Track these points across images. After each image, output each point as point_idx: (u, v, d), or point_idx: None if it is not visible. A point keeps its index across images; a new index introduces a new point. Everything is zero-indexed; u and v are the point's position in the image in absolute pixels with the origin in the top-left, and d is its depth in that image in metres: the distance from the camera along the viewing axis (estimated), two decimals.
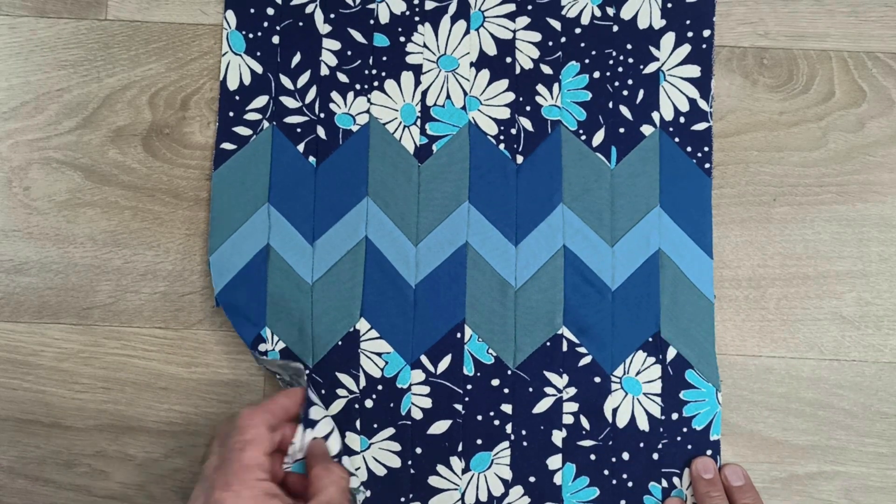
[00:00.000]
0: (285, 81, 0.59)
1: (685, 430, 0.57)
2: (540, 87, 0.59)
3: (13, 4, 0.60)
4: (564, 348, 0.57)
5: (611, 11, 0.59)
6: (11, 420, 0.58)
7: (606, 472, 0.57)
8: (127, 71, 0.60)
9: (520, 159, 0.58)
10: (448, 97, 0.59)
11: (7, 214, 0.59)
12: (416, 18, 0.59)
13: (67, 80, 0.60)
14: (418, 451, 0.57)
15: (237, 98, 0.59)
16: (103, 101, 0.60)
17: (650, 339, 0.57)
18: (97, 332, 0.58)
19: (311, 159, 0.58)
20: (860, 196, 0.59)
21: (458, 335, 0.57)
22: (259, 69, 0.59)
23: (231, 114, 0.59)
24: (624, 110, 0.59)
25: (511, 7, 0.59)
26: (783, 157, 0.59)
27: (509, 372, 0.57)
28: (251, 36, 0.59)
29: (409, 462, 0.57)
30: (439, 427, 0.57)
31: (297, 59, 0.59)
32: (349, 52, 0.59)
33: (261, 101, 0.59)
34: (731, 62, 0.60)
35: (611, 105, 0.59)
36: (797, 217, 0.59)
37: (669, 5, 0.59)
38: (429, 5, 0.59)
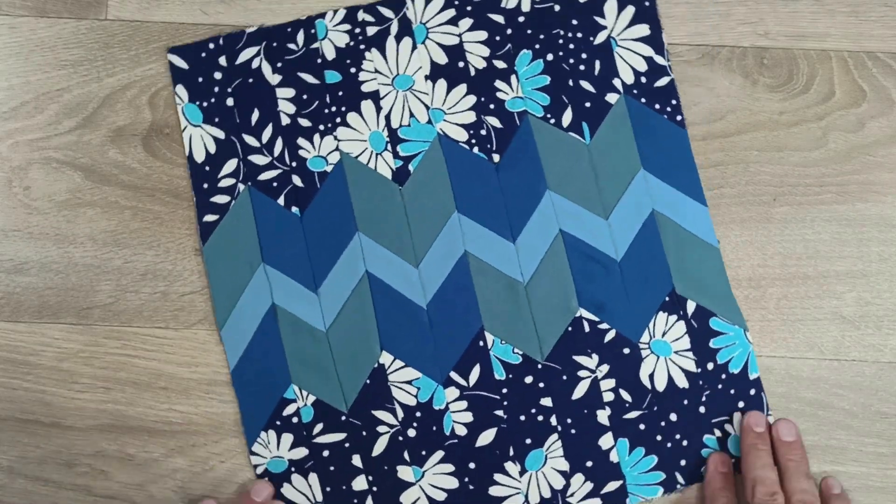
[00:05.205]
0: (250, 140, 0.59)
1: (724, 376, 0.57)
2: (498, 83, 0.59)
3: (13, 4, 0.60)
4: (587, 329, 0.57)
5: None
6: (11, 420, 0.58)
7: (659, 438, 0.57)
8: (127, 71, 0.60)
9: (496, 158, 0.59)
10: (412, 115, 0.59)
11: (7, 214, 0.59)
12: (362, 46, 0.59)
13: (67, 80, 0.60)
14: (472, 466, 0.57)
15: (207, 169, 0.58)
16: (103, 101, 0.60)
17: (667, 299, 0.57)
18: (97, 332, 0.58)
19: (295, 209, 0.58)
20: (860, 196, 0.59)
21: (481, 343, 0.57)
22: (221, 135, 0.59)
23: (205, 185, 0.58)
24: (585, 85, 0.59)
25: (451, 12, 0.60)
26: (783, 157, 0.59)
27: (539, 366, 0.57)
28: (205, 104, 0.59)
29: (466, 479, 0.57)
30: (486, 437, 0.57)
31: (255, 115, 0.59)
32: (304, 96, 0.59)
33: (231, 165, 0.58)
34: (731, 62, 0.60)
35: (571, 83, 0.59)
36: (797, 217, 0.59)
37: None
38: (371, 30, 0.59)
